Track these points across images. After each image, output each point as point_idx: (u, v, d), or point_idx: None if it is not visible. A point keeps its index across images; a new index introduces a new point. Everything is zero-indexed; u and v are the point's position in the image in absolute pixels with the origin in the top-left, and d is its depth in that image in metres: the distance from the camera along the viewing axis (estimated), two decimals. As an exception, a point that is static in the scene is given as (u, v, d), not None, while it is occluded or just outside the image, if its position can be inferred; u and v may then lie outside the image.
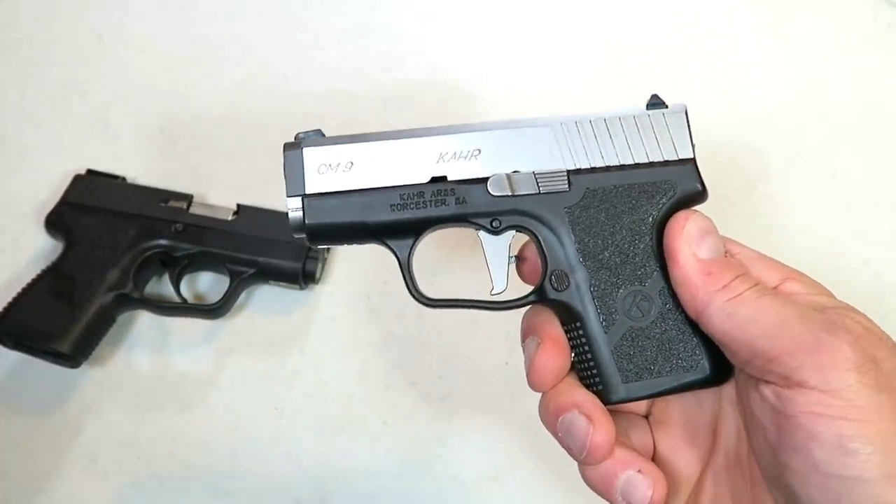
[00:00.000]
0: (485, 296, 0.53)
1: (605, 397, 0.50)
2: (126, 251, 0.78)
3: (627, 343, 0.50)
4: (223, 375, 0.79)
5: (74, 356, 0.74)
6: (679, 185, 0.51)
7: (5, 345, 0.75)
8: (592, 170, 0.52)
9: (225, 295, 0.79)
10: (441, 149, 0.52)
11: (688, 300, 0.48)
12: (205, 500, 0.75)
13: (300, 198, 0.51)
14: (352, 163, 0.51)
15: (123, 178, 0.86)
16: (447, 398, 0.78)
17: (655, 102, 0.53)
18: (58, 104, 0.93)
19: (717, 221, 0.51)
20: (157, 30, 0.98)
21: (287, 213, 0.51)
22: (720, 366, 0.50)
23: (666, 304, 0.50)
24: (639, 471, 0.48)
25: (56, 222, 0.81)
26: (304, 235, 0.52)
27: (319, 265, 0.81)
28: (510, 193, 0.51)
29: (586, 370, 0.51)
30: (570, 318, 0.51)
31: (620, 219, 0.51)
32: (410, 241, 0.52)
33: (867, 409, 0.40)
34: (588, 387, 0.51)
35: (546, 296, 0.51)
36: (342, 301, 0.83)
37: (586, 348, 0.50)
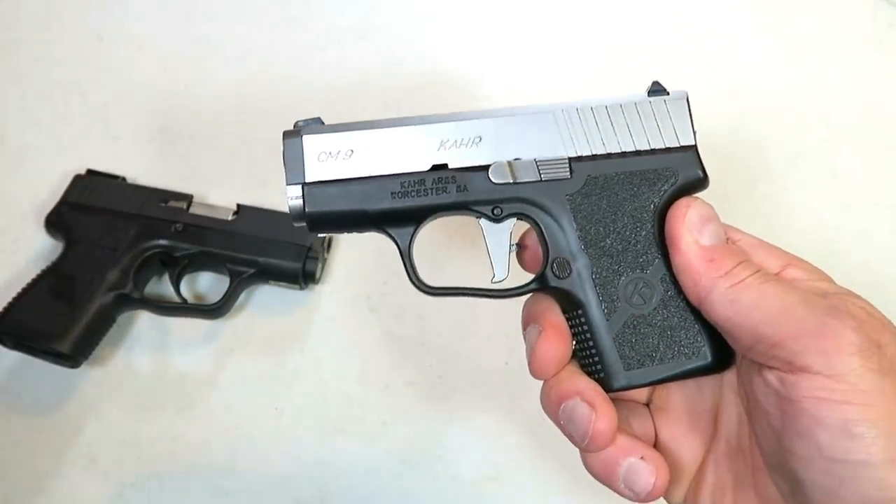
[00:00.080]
0: (486, 284, 0.53)
1: (606, 385, 0.50)
2: (126, 251, 0.78)
3: (629, 330, 0.50)
4: (223, 375, 0.79)
5: (74, 356, 0.74)
6: (681, 172, 0.51)
7: (5, 345, 0.75)
8: (594, 157, 0.51)
9: (225, 295, 0.79)
10: (442, 136, 0.51)
11: (690, 287, 0.48)
12: (205, 500, 0.75)
13: (300, 186, 0.51)
14: (352, 150, 0.51)
15: (123, 178, 0.86)
16: (447, 398, 0.78)
17: (657, 89, 0.53)
18: (58, 104, 0.93)
19: (716, 222, 0.50)
20: (157, 30, 0.98)
21: (287, 203, 0.51)
22: (722, 353, 0.50)
23: (668, 292, 0.50)
24: (641, 458, 0.48)
25: (56, 222, 0.81)
26: (304, 224, 0.51)
27: (319, 265, 0.81)
28: (511, 181, 0.51)
29: (588, 358, 0.51)
30: (571, 306, 0.51)
31: (622, 206, 0.51)
32: (411, 229, 0.52)
33: (871, 393, 0.40)
34: (590, 374, 0.51)
35: (547, 283, 0.51)
36: (342, 301, 0.83)
37: (588, 336, 0.50)
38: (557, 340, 0.50)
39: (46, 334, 0.73)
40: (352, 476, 0.76)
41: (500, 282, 0.53)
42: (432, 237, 0.83)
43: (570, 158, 0.51)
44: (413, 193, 0.51)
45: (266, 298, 0.83)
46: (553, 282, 0.51)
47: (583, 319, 0.51)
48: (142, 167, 0.88)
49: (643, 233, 0.51)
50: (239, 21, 0.98)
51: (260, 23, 0.98)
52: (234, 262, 0.79)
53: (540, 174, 0.51)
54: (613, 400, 0.49)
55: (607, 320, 0.50)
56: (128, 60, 0.96)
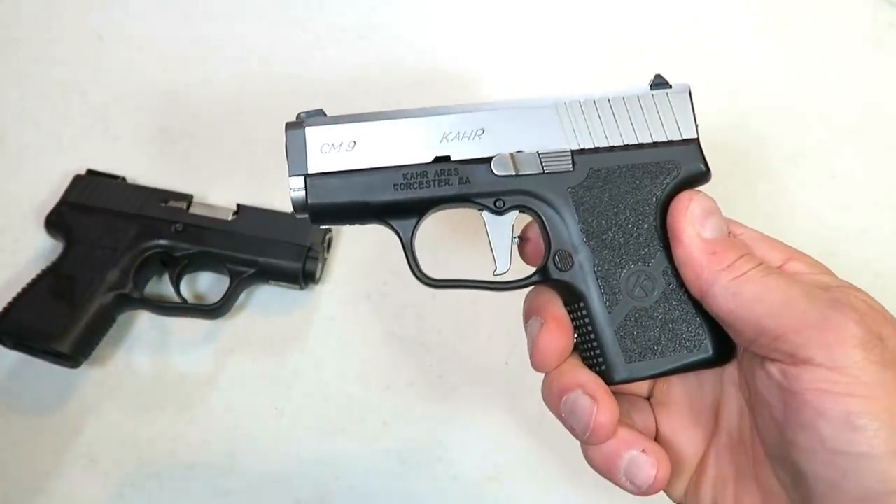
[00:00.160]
0: (488, 277, 0.53)
1: (608, 377, 0.50)
2: (126, 251, 0.78)
3: (631, 323, 0.50)
4: (223, 375, 0.79)
5: (74, 356, 0.74)
6: (683, 166, 0.51)
7: (5, 345, 0.75)
8: (596, 150, 0.52)
9: (225, 295, 0.79)
10: (445, 128, 0.51)
11: (692, 280, 0.48)
12: (205, 500, 0.75)
13: (303, 177, 0.51)
14: (354, 142, 0.51)
15: (123, 178, 0.86)
16: (447, 398, 0.78)
17: (659, 83, 0.53)
18: (58, 104, 0.93)
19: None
20: (157, 30, 0.98)
21: (290, 194, 0.51)
22: (723, 346, 0.50)
23: (669, 285, 0.50)
24: (642, 450, 0.48)
25: (56, 222, 0.81)
26: (306, 215, 0.51)
27: (319, 265, 0.81)
28: (514, 173, 0.51)
29: (589, 350, 0.51)
30: (573, 299, 0.51)
31: (624, 199, 0.51)
32: (413, 222, 0.52)
33: (873, 385, 0.41)
34: (591, 367, 0.51)
35: (549, 276, 0.51)
36: (342, 301, 0.83)
37: (589, 328, 0.50)
38: (559, 333, 0.51)
39: (46, 334, 0.73)
40: (352, 476, 0.75)
41: (502, 274, 0.53)
42: (434, 230, 0.83)
43: (572, 151, 0.51)
44: (415, 185, 0.51)
45: (266, 298, 0.83)
46: (555, 274, 0.51)
47: (584, 312, 0.51)
48: (142, 167, 0.88)
49: (645, 226, 0.51)
50: (239, 21, 0.98)
51: (260, 23, 0.98)
52: (234, 262, 0.79)
53: (542, 166, 0.51)
54: (614, 394, 0.49)
55: (609, 313, 0.50)
56: (128, 60, 0.96)
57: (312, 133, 0.51)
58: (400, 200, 0.51)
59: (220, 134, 0.91)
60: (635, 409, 0.53)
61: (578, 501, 0.74)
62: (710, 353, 0.50)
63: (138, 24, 0.98)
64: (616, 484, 0.49)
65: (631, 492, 0.49)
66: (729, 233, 0.49)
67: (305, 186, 0.50)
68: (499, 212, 0.52)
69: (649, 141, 0.52)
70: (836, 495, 0.41)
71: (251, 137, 0.90)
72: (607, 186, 0.51)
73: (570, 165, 0.51)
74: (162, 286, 0.83)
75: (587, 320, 0.50)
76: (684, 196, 0.50)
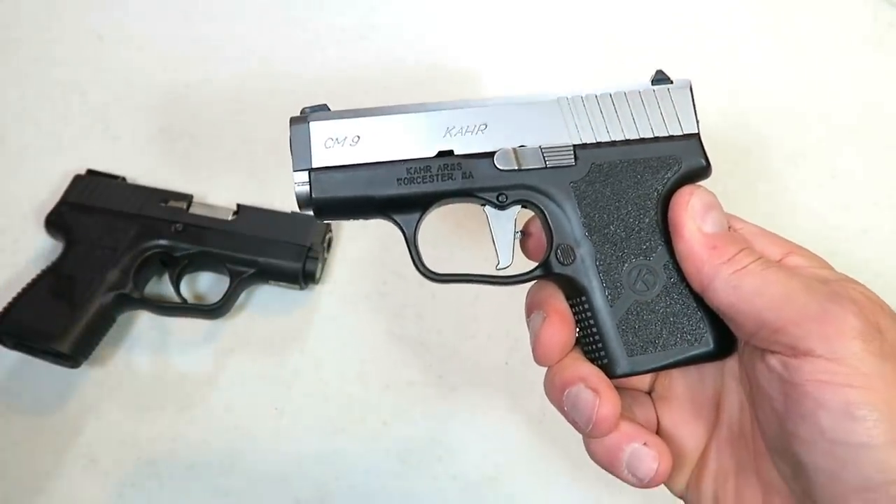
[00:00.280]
0: (490, 271, 0.53)
1: (610, 371, 0.50)
2: (126, 251, 0.78)
3: (632, 317, 0.50)
4: (223, 375, 0.79)
5: (74, 356, 0.74)
6: (684, 161, 0.52)
7: (5, 345, 0.75)
8: (598, 144, 0.52)
9: (225, 295, 0.79)
10: (448, 123, 0.52)
11: (693, 273, 0.48)
12: (205, 499, 0.75)
13: (307, 172, 0.51)
14: (358, 137, 0.51)
15: (123, 178, 0.86)
16: (447, 398, 0.78)
17: (660, 78, 0.53)
18: (58, 104, 0.93)
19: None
20: (157, 30, 0.98)
21: (294, 188, 0.51)
22: (724, 339, 0.50)
23: (670, 278, 0.50)
24: (644, 443, 0.48)
25: (56, 222, 0.81)
26: (310, 210, 0.51)
27: (319, 265, 0.81)
28: (516, 167, 0.51)
29: (591, 344, 0.51)
30: (575, 293, 0.51)
31: (626, 193, 0.51)
32: (417, 216, 0.52)
33: (872, 376, 0.41)
34: (593, 361, 0.51)
35: (552, 270, 0.51)
36: (342, 301, 0.83)
37: (591, 322, 0.51)
38: (561, 326, 0.51)
39: (46, 334, 0.73)
40: (352, 476, 0.75)
41: (505, 269, 0.53)
42: (437, 226, 0.82)
43: (574, 146, 0.52)
44: (419, 180, 0.51)
45: (266, 298, 0.83)
46: (557, 268, 0.51)
47: (586, 306, 0.51)
48: (142, 167, 0.88)
49: (646, 220, 0.51)
50: (239, 21, 0.98)
51: (260, 23, 0.98)
52: (234, 262, 0.79)
53: (545, 161, 0.52)
54: (616, 388, 0.50)
55: (611, 307, 0.50)
56: (128, 60, 0.96)
57: (316, 128, 0.51)
58: (403, 195, 0.51)
59: (220, 134, 0.91)
60: (637, 403, 0.54)
61: (578, 500, 0.74)
62: (711, 346, 0.50)
63: (138, 24, 0.98)
64: (618, 477, 0.49)
65: (633, 485, 0.49)
66: (729, 227, 0.50)
67: (309, 181, 0.51)
68: (501, 206, 0.52)
69: (650, 136, 0.52)
70: (836, 486, 0.42)
71: (251, 137, 0.91)
72: (609, 181, 0.51)
73: (573, 160, 0.52)
74: (162, 286, 0.83)
75: (589, 314, 0.51)
76: (685, 191, 0.50)
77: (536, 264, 0.53)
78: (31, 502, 0.74)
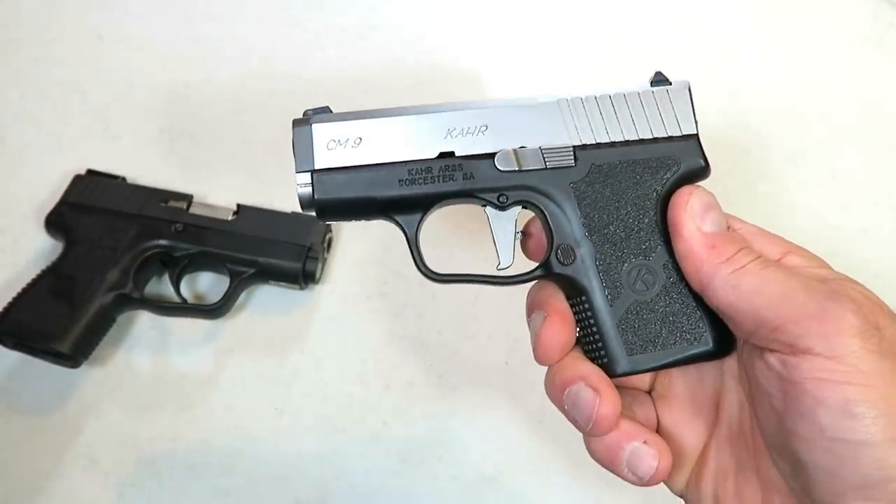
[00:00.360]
0: (491, 271, 0.54)
1: (610, 370, 0.50)
2: (126, 251, 0.78)
3: (632, 316, 0.50)
4: (223, 375, 0.79)
5: (74, 356, 0.74)
6: (683, 161, 0.52)
7: (5, 345, 0.75)
8: (598, 145, 0.52)
9: (225, 295, 0.79)
10: (449, 125, 0.52)
11: (692, 273, 0.49)
12: (205, 500, 0.75)
13: (309, 173, 0.51)
14: (360, 138, 0.52)
15: (123, 178, 0.86)
16: (447, 398, 0.78)
17: (659, 79, 0.54)
18: (58, 104, 0.93)
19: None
20: (157, 30, 0.98)
21: (296, 190, 0.51)
22: (723, 338, 0.50)
23: (670, 278, 0.51)
24: (644, 442, 0.49)
25: (56, 222, 0.81)
26: (312, 211, 0.52)
27: (319, 265, 0.81)
28: (517, 168, 0.52)
29: (591, 343, 0.52)
30: (575, 292, 0.52)
31: (625, 194, 0.52)
32: (418, 217, 0.53)
33: (871, 374, 0.41)
34: (593, 360, 0.51)
35: (552, 270, 0.52)
36: (342, 301, 0.83)
37: (591, 322, 0.51)
38: (562, 326, 0.51)
39: (46, 334, 0.73)
40: (352, 476, 0.76)
41: (506, 269, 0.53)
42: (438, 227, 0.83)
43: (574, 147, 0.52)
44: (420, 181, 0.51)
45: (266, 298, 0.83)
46: (557, 268, 0.52)
47: (586, 305, 0.51)
48: (142, 167, 0.88)
49: (646, 220, 0.51)
50: (239, 21, 0.98)
51: (260, 23, 0.98)
52: (234, 262, 0.79)
53: (545, 162, 0.52)
54: (616, 387, 0.50)
55: (610, 306, 0.51)
56: (128, 60, 0.96)
57: (319, 130, 0.52)
58: (405, 196, 0.51)
59: (220, 134, 0.91)
60: (637, 402, 0.54)
61: (579, 499, 0.74)
62: (711, 345, 0.50)
63: (138, 24, 0.98)
64: (618, 475, 0.50)
65: (633, 483, 0.49)
66: (728, 227, 0.50)
67: (312, 182, 0.51)
68: (502, 207, 0.52)
69: (650, 137, 0.52)
70: (835, 483, 0.42)
71: (251, 137, 0.91)
72: (609, 181, 0.52)
73: (573, 161, 0.52)
74: (162, 286, 0.83)
75: (589, 314, 0.51)
76: (684, 191, 0.50)
77: (537, 264, 0.53)
78: (31, 502, 0.74)
